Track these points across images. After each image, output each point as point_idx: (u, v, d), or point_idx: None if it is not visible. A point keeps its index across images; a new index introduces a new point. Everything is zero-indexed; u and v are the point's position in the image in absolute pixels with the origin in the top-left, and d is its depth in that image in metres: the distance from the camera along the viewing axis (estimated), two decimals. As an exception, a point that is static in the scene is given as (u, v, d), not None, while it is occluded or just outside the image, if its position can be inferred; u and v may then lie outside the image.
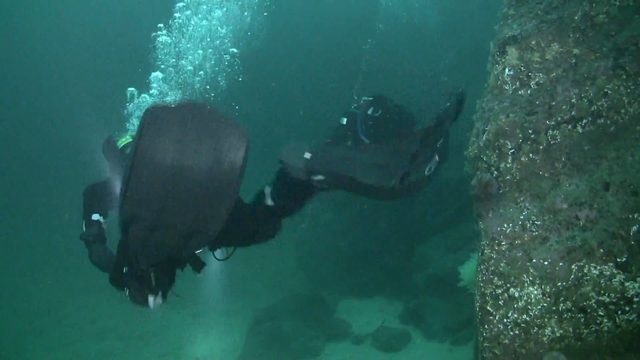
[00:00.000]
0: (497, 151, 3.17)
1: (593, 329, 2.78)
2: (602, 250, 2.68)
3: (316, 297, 11.96)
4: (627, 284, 2.68)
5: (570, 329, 2.78)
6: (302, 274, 14.34)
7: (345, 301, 12.58)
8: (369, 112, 7.96)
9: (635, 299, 2.70)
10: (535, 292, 2.77)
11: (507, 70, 3.38)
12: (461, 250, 10.33)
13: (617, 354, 2.84)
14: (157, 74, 11.02)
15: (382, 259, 13.24)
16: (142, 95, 10.50)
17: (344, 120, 7.70)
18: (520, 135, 3.14)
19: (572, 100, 3.08)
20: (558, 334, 2.80)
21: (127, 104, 9.51)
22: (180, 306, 12.98)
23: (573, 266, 2.71)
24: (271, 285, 14.03)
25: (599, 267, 2.68)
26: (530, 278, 2.79)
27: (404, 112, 8.13)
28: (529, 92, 3.30)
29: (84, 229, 4.15)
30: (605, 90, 3.06)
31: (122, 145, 4.40)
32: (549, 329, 2.79)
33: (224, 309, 12.87)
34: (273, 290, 13.59)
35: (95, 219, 4.09)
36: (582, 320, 2.76)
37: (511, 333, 2.87)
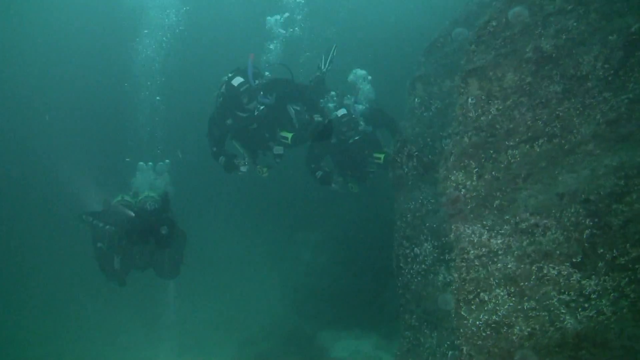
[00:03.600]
0: (463, 170, 3.55)
1: (558, 326, 3.07)
2: (558, 252, 3.01)
3: (297, 327, 12.79)
4: (583, 282, 3.00)
5: (537, 327, 3.08)
6: (285, 309, 14.95)
7: (325, 332, 13.17)
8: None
9: (593, 296, 3.01)
10: (502, 293, 3.09)
11: (469, 99, 3.78)
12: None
13: (584, 349, 3.13)
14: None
15: (359, 294, 13.76)
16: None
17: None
18: (482, 155, 3.52)
19: (528, 123, 3.47)
20: (526, 332, 3.09)
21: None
22: (168, 338, 13.49)
23: (533, 267, 3.03)
24: (255, 321, 14.53)
25: (557, 267, 3.00)
26: (497, 281, 3.11)
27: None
28: (489, 117, 3.68)
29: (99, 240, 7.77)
30: (557, 112, 3.45)
31: (115, 200, 7.93)
32: (518, 327, 3.09)
33: (209, 342, 13.41)
34: (256, 324, 14.10)
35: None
36: (547, 318, 3.06)
37: (484, 334, 3.17)
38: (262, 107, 7.28)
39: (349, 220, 15.44)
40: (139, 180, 9.98)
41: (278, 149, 7.73)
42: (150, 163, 11.35)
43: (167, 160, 11.86)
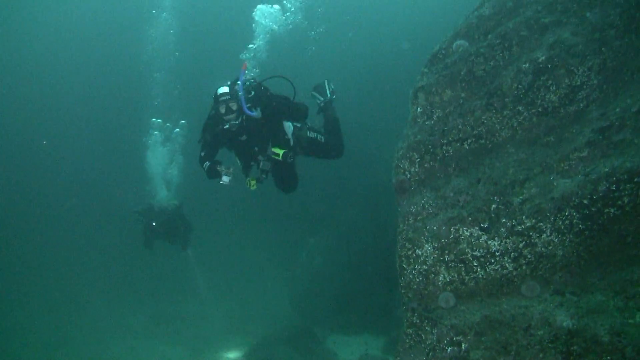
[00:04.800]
0: (408, 160, 4.65)
1: (472, 276, 4.14)
2: (470, 219, 4.10)
3: (307, 330, 13.16)
4: (489, 242, 4.07)
5: (456, 275, 4.15)
6: (295, 313, 15.52)
7: (334, 336, 13.76)
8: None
9: (497, 253, 4.08)
10: (429, 247, 4.17)
11: (418, 109, 4.91)
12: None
13: (492, 295, 4.18)
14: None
15: (368, 299, 14.48)
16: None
17: (224, 89, 7.12)
18: (423, 149, 4.62)
19: (459, 127, 4.58)
20: (448, 279, 4.16)
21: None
22: (181, 341, 14.24)
23: (452, 229, 4.12)
24: (266, 325, 15.17)
25: (469, 230, 4.09)
26: (425, 239, 4.19)
27: None
28: (432, 122, 4.80)
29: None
30: (482, 120, 4.56)
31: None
32: (441, 275, 4.16)
33: (221, 344, 14.03)
34: (266, 327, 14.74)
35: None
36: (463, 269, 4.13)
37: (417, 279, 4.24)
38: (235, 123, 7.02)
39: (359, 226, 16.22)
40: (152, 154, 12.21)
41: (265, 165, 7.32)
42: (168, 124, 13.18)
43: (183, 121, 13.59)
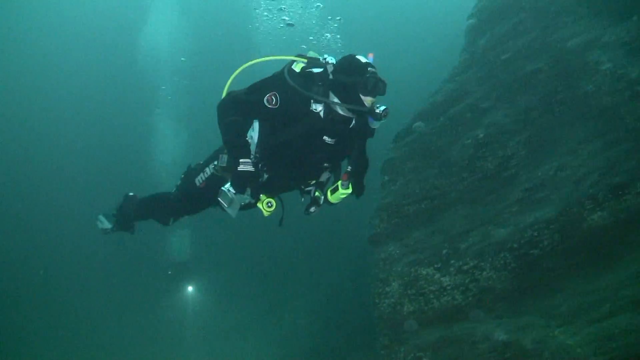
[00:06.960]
0: (379, 218, 5.85)
1: (430, 306, 5.22)
2: (426, 261, 5.24)
3: (330, 346, 13.62)
4: (442, 278, 5.19)
5: (418, 306, 5.23)
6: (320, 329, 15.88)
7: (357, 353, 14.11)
8: None
9: (448, 288, 5.18)
10: (395, 285, 5.29)
11: (386, 177, 6.14)
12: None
13: (446, 322, 5.22)
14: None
15: (351, 351, 15.09)
16: None
17: None
18: (390, 209, 5.83)
19: (417, 191, 5.80)
20: (411, 309, 5.25)
21: None
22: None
23: (412, 269, 5.25)
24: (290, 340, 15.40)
25: (425, 270, 5.22)
26: (392, 278, 5.32)
27: None
28: (396, 187, 6.03)
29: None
30: (435, 184, 5.79)
31: None
32: (406, 306, 5.25)
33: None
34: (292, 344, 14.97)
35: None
36: (422, 300, 5.22)
37: (387, 310, 5.33)
38: None
39: (340, 285, 16.77)
40: None
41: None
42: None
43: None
